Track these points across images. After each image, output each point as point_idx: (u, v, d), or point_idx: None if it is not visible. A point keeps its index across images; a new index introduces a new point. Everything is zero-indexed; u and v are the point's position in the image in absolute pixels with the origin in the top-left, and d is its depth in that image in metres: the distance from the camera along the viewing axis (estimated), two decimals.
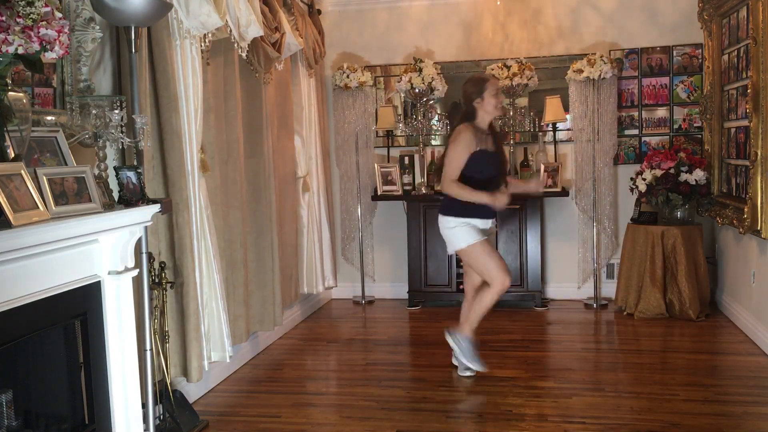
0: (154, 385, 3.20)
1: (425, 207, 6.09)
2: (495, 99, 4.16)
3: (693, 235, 5.53)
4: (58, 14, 2.36)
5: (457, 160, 4.14)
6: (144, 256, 3.13)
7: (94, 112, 2.88)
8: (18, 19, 2.21)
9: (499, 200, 4.10)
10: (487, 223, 4.26)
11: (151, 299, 3.26)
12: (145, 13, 2.91)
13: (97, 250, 2.70)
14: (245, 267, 4.45)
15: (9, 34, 2.18)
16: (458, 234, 4.18)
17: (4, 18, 2.19)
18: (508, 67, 5.91)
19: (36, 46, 2.25)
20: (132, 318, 2.86)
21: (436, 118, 6.38)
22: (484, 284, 4.27)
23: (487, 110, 4.18)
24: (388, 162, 6.41)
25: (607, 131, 5.92)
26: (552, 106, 5.90)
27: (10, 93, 2.30)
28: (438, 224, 4.32)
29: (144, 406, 3.07)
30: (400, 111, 6.44)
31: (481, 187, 4.13)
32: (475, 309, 4.29)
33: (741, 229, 4.81)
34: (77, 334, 2.69)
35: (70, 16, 2.89)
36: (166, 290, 3.43)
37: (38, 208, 2.29)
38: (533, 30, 6.24)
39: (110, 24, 3.16)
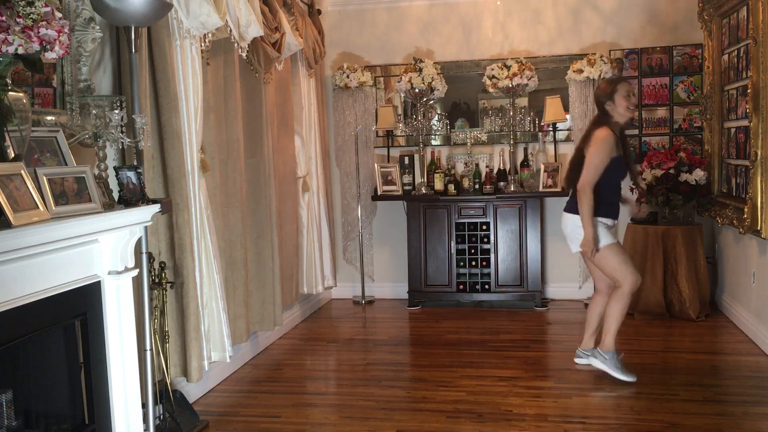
0: (154, 385, 3.20)
1: (425, 207, 6.10)
2: (626, 101, 4.08)
3: (693, 235, 5.53)
4: (58, 14, 2.36)
5: (600, 165, 4.06)
6: (144, 256, 3.13)
7: (94, 112, 2.89)
8: (18, 19, 2.21)
9: (589, 246, 4.07)
10: (614, 223, 4.25)
11: (151, 299, 3.26)
12: (145, 13, 2.91)
13: (97, 250, 2.70)
14: (245, 267, 4.44)
15: (9, 34, 2.18)
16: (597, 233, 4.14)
17: (4, 18, 2.19)
18: (508, 67, 5.91)
19: (36, 46, 2.25)
20: (132, 318, 2.86)
21: (436, 118, 6.38)
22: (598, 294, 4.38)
23: (619, 112, 4.10)
24: (388, 162, 6.41)
25: None
26: (552, 106, 5.89)
27: (10, 93, 2.30)
28: (564, 222, 4.28)
29: (144, 406, 3.07)
30: (400, 111, 6.44)
31: (607, 193, 4.13)
32: (610, 318, 4.22)
33: (741, 229, 4.81)
34: (77, 334, 2.69)
35: (70, 16, 2.89)
36: (166, 290, 3.43)
37: (38, 208, 2.29)
38: (533, 30, 6.24)
39: (110, 24, 3.16)
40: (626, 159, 4.22)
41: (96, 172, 2.94)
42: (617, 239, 4.26)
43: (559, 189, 5.89)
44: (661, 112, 6.10)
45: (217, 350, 3.99)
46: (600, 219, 4.13)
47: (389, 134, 6.39)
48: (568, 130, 6.11)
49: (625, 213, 6.07)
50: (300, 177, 5.73)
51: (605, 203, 4.14)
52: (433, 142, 6.44)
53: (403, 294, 6.29)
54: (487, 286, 6.06)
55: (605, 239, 4.12)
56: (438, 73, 5.99)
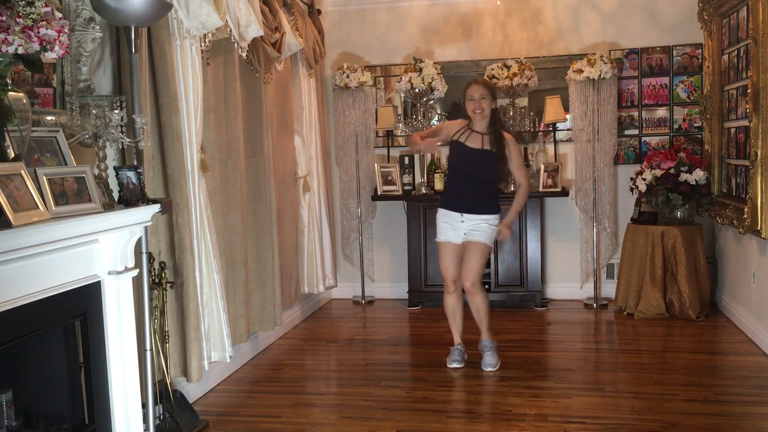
0: (154, 385, 3.20)
1: (425, 207, 6.09)
2: (469, 104, 4.39)
3: (693, 235, 5.53)
4: (58, 14, 2.36)
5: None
6: (144, 256, 3.13)
7: (94, 112, 2.89)
8: (18, 19, 2.21)
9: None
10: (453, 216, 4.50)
11: (151, 299, 3.26)
12: (145, 13, 2.91)
13: (97, 250, 2.70)
14: (245, 267, 4.44)
15: (9, 34, 2.18)
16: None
17: (4, 18, 2.19)
18: (508, 67, 5.91)
19: (36, 46, 2.25)
20: (132, 318, 2.86)
21: (436, 118, 6.38)
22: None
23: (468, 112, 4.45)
24: (388, 162, 6.41)
25: (607, 131, 5.92)
26: (552, 106, 5.89)
27: (10, 93, 2.30)
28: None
29: (144, 406, 3.07)
30: (400, 111, 6.44)
31: (451, 178, 4.57)
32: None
33: (741, 229, 4.81)
34: (77, 334, 2.69)
35: (70, 16, 2.89)
36: (166, 290, 3.43)
37: (38, 208, 2.29)
38: (533, 30, 6.24)
39: (110, 24, 3.16)
40: (483, 155, 4.36)
41: (96, 172, 2.94)
42: (444, 239, 4.51)
43: (559, 189, 5.89)
44: (661, 112, 6.10)
45: (217, 350, 3.99)
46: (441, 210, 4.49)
47: (389, 134, 6.39)
48: (568, 130, 6.11)
49: (624, 213, 6.12)
50: (300, 177, 5.73)
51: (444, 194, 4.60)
52: None
53: (403, 294, 6.29)
54: (487, 286, 6.05)
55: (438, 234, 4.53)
56: (438, 73, 5.98)
